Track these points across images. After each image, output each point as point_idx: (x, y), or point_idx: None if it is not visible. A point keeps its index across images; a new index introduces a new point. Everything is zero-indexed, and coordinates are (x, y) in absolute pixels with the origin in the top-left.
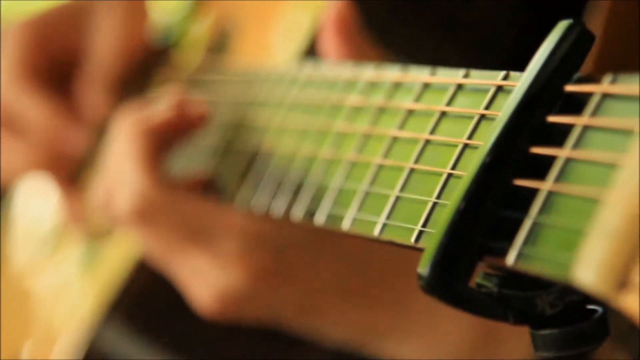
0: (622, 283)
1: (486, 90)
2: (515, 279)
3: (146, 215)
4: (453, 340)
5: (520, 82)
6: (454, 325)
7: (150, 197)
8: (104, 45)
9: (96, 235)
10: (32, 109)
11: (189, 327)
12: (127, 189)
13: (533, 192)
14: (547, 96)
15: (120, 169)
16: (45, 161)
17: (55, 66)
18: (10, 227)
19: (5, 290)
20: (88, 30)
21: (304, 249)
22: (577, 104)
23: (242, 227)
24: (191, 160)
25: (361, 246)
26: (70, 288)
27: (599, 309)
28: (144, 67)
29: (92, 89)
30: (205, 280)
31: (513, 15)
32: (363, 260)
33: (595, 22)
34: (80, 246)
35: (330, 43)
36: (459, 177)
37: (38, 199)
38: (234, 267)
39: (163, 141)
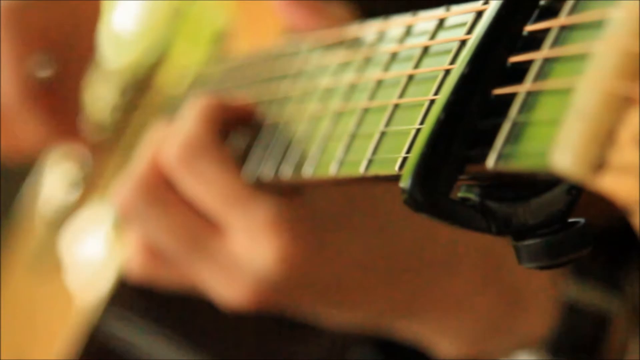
0: (599, 164)
1: (466, 23)
2: (497, 190)
3: (192, 154)
4: (475, 313)
5: None
6: (475, 300)
7: (201, 139)
8: None
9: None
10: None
11: (194, 312)
12: (182, 133)
13: (511, 99)
14: (523, 6)
15: (182, 125)
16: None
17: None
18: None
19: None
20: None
21: (341, 224)
22: (554, 12)
23: (277, 199)
24: None
25: (395, 220)
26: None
27: (581, 220)
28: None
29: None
30: (239, 267)
31: None
32: (396, 235)
33: None
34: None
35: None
36: None
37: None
38: (268, 241)
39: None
